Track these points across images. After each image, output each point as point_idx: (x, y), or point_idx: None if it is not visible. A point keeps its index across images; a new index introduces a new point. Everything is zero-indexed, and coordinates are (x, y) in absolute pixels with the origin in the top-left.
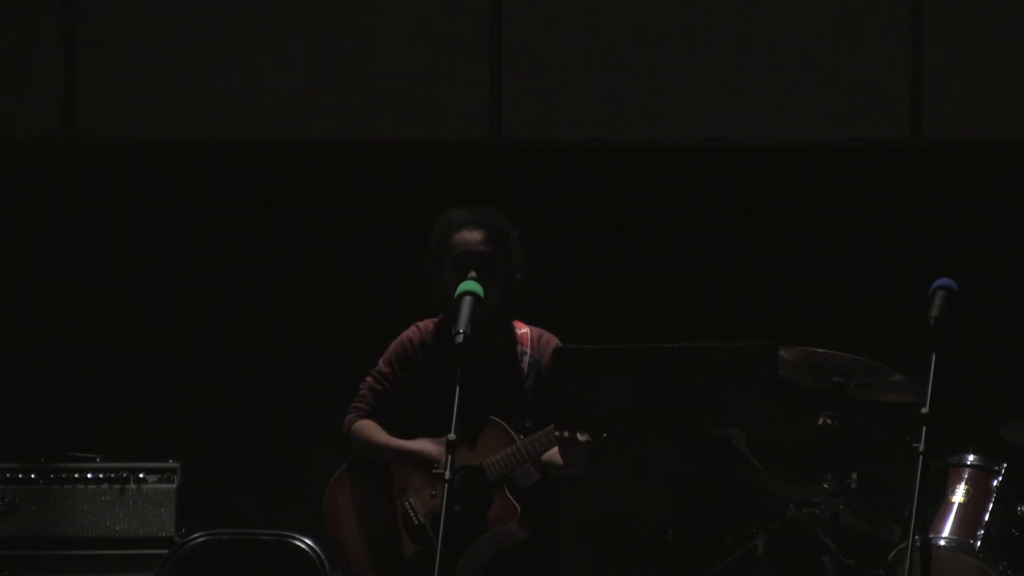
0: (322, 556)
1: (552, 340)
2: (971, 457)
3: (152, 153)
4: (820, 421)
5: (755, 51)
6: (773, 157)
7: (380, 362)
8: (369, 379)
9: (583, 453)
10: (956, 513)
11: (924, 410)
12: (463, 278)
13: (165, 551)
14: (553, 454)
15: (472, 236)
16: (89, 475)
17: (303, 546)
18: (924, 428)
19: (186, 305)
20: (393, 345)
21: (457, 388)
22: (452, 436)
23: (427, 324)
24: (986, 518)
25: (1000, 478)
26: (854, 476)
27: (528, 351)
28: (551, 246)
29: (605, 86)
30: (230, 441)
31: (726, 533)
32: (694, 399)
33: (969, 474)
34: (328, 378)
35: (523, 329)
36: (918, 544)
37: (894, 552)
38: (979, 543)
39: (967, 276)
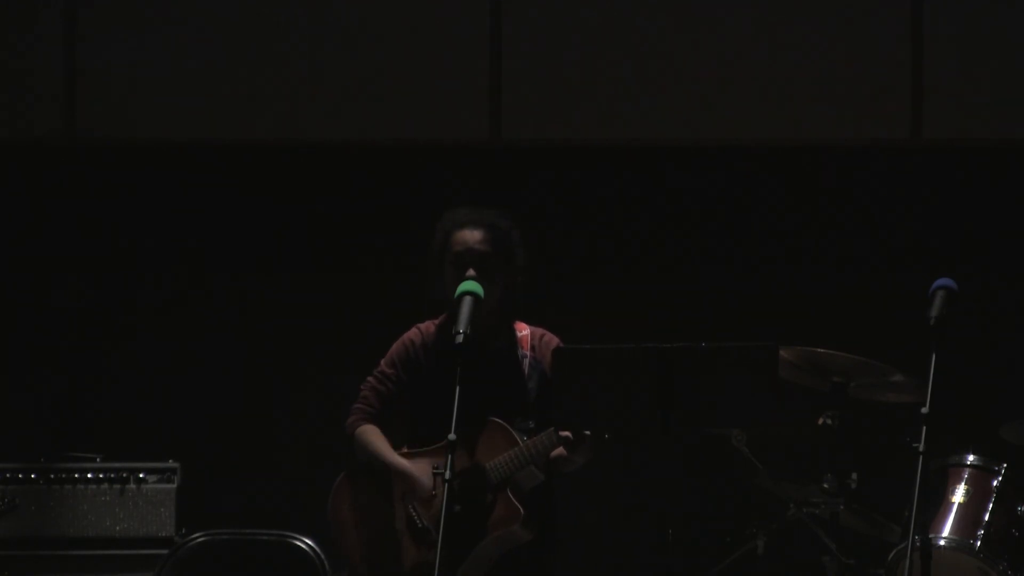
0: (322, 556)
1: (553, 340)
2: (971, 457)
3: (152, 153)
4: (820, 421)
5: (755, 51)
6: (773, 157)
7: (382, 363)
8: (371, 380)
9: (589, 443)
10: (956, 513)
11: (924, 410)
12: (463, 278)
13: (165, 551)
14: (559, 449)
15: (472, 236)
16: (89, 475)
17: (303, 546)
18: (924, 428)
19: (186, 305)
20: (394, 346)
21: (457, 388)
22: (452, 436)
23: (428, 326)
24: (986, 518)
25: (1000, 478)
26: (854, 476)
27: (528, 353)
28: (551, 246)
29: (605, 86)
30: (230, 441)
31: (726, 533)
32: (694, 399)
33: (969, 474)
34: (329, 378)
35: (524, 331)
36: (918, 544)
37: (894, 552)
38: (979, 543)
39: (967, 276)
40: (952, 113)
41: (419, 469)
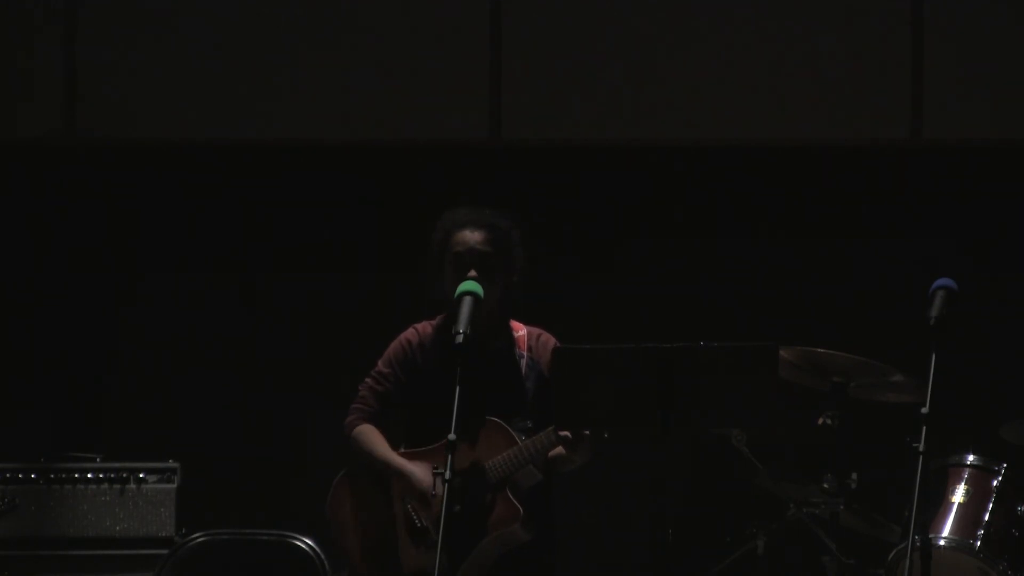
0: (322, 556)
1: (550, 340)
2: (971, 457)
3: (152, 153)
4: (820, 421)
5: (755, 51)
6: (773, 157)
7: (379, 363)
8: (369, 380)
9: (589, 442)
10: (956, 513)
11: (924, 410)
12: (463, 278)
13: (165, 551)
14: (558, 449)
15: (473, 236)
16: (89, 475)
17: (303, 546)
18: (924, 428)
19: (186, 305)
20: (392, 347)
21: (457, 388)
22: (452, 436)
23: (425, 326)
24: (986, 518)
25: (1000, 478)
26: (854, 476)
27: (526, 353)
28: (551, 246)
29: (605, 86)
30: (230, 441)
31: (726, 533)
32: (694, 399)
33: (969, 474)
34: (329, 378)
35: (521, 331)
36: (918, 544)
37: (894, 552)
38: (979, 543)
39: (967, 276)
40: (952, 113)
41: (418, 469)
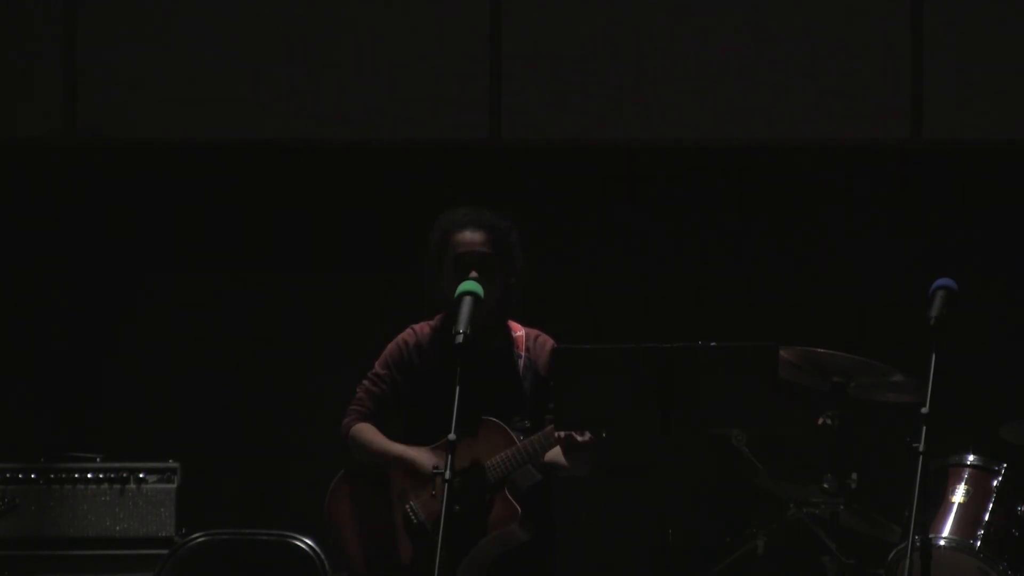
0: (322, 556)
1: (548, 341)
2: (971, 457)
3: (152, 153)
4: (820, 421)
5: (755, 51)
6: (773, 157)
7: (376, 365)
8: (366, 382)
9: (586, 454)
10: (956, 513)
11: (924, 410)
12: (463, 278)
13: (165, 551)
14: (557, 454)
15: (473, 237)
16: (89, 475)
17: (303, 546)
18: (924, 428)
19: (186, 305)
20: (389, 348)
21: (457, 388)
22: (452, 436)
23: (422, 327)
24: (986, 518)
25: (1000, 478)
26: (854, 476)
27: (523, 353)
28: (551, 246)
29: (604, 86)
30: (230, 441)
31: (726, 533)
32: (694, 399)
33: (969, 474)
34: (328, 378)
35: (519, 332)
36: (918, 544)
37: (894, 552)
38: (979, 543)
39: (967, 276)
40: (952, 113)
41: (419, 452)
